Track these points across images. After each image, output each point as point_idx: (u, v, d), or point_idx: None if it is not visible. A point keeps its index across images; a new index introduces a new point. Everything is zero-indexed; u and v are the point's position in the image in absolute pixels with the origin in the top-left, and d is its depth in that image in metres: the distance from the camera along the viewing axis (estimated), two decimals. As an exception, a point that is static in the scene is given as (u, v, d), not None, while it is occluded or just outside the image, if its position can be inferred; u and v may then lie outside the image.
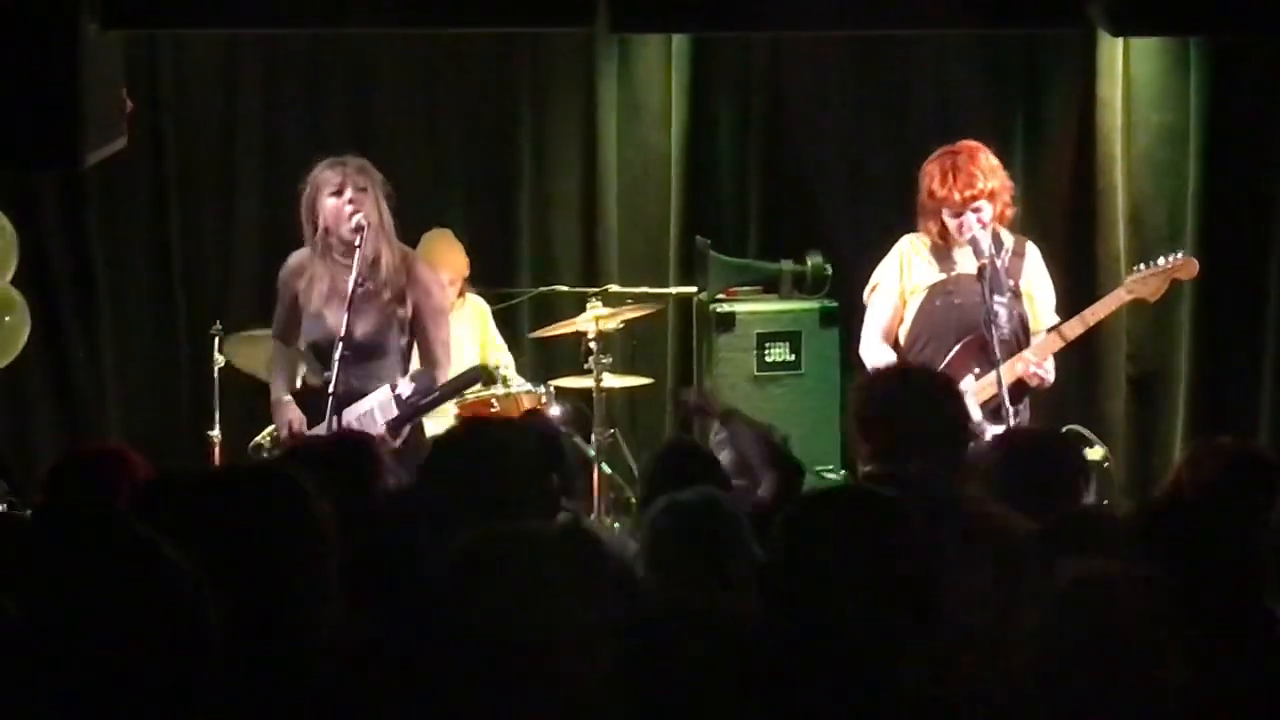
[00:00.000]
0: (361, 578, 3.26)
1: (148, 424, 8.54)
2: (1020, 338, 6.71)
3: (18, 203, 8.27)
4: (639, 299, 8.24)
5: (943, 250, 6.75)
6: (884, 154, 8.54)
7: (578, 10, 5.42)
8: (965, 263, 6.67)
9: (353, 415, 6.36)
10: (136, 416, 8.62)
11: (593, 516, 7.49)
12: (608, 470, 7.84)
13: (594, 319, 7.87)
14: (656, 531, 4.11)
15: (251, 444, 7.59)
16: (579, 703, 2.82)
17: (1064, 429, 6.86)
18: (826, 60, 8.69)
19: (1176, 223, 8.44)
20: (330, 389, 6.22)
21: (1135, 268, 7.13)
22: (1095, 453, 7.15)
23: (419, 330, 6.53)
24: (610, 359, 7.92)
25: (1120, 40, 8.14)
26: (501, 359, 7.99)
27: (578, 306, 8.15)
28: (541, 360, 8.58)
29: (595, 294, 8.11)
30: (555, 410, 7.66)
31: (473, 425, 5.45)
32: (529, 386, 7.81)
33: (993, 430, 6.28)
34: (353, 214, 6.38)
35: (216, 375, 8.02)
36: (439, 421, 6.69)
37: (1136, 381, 8.61)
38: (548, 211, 8.83)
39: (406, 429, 6.35)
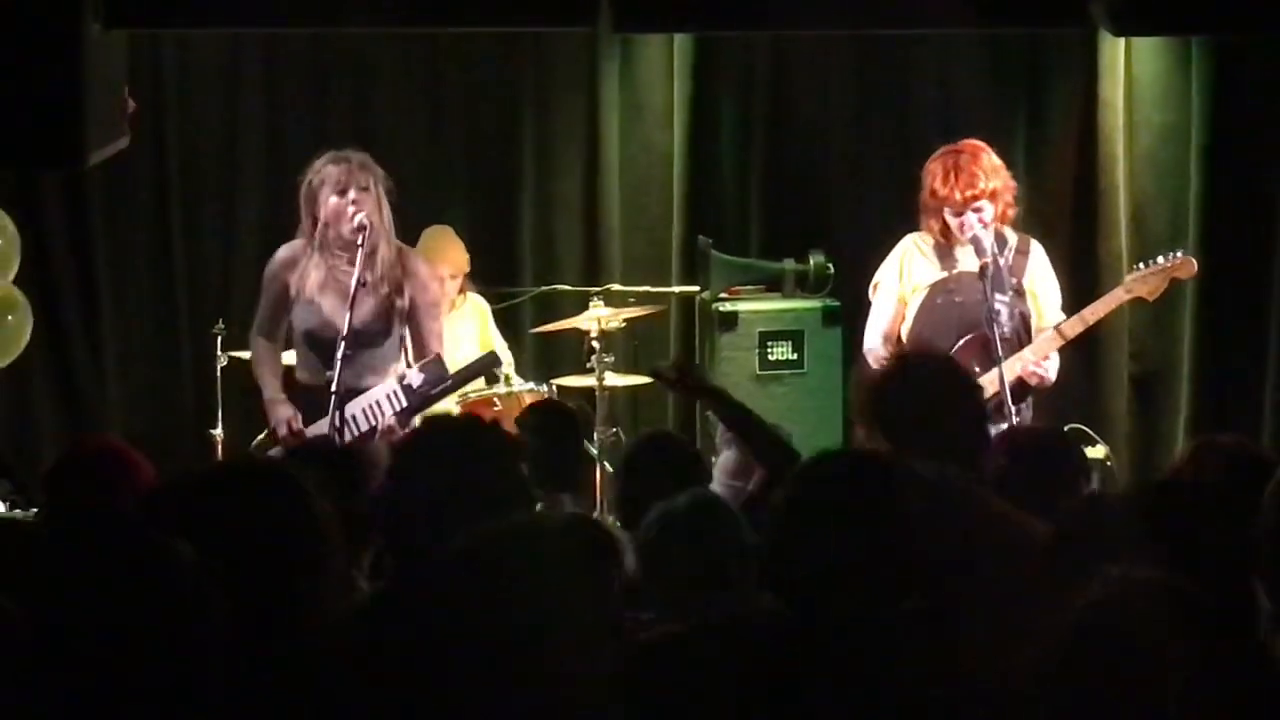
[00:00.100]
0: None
1: (150, 423, 8.54)
2: (1022, 336, 6.71)
3: (20, 202, 8.28)
4: (641, 298, 8.25)
5: (945, 249, 6.76)
6: (886, 153, 8.54)
7: (580, 10, 5.41)
8: (967, 261, 6.67)
9: (359, 407, 6.36)
10: (139, 416, 8.63)
11: (595, 514, 7.49)
12: (610, 469, 7.84)
13: (596, 318, 7.87)
14: (653, 540, 4.11)
15: (254, 443, 7.59)
16: (579, 703, 2.82)
17: (1066, 427, 6.85)
18: (828, 59, 8.69)
19: (1178, 222, 8.44)
20: (333, 388, 6.20)
21: (1135, 267, 7.14)
22: (1097, 451, 7.16)
23: (413, 323, 6.52)
24: (612, 358, 7.92)
25: (1122, 40, 8.13)
26: (502, 358, 7.99)
27: (580, 306, 8.16)
28: (543, 359, 8.59)
29: (597, 293, 8.12)
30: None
31: (433, 423, 5.40)
32: (531, 385, 7.82)
33: (994, 428, 6.27)
34: (355, 214, 6.37)
35: (219, 374, 8.02)
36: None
37: (1138, 380, 8.62)
38: (550, 211, 8.83)
39: (417, 419, 6.33)
